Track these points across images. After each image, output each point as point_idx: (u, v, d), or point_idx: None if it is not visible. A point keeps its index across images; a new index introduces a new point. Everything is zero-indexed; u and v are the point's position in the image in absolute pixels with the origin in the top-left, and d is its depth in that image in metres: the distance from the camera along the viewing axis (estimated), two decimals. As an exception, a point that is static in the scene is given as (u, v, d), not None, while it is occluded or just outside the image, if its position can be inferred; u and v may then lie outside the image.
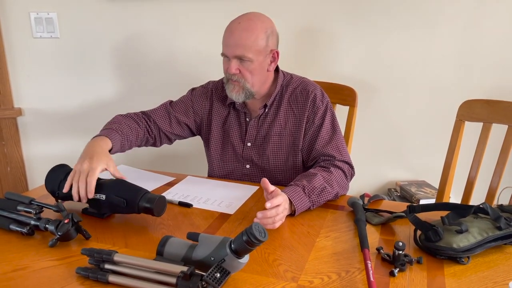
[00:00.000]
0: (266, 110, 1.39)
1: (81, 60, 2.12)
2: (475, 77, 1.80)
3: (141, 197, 1.01)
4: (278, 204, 1.02)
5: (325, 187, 1.16)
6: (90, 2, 2.01)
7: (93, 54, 2.10)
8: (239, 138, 1.42)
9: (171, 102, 1.48)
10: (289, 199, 1.09)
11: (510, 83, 1.78)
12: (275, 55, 1.33)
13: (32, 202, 1.01)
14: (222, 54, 1.31)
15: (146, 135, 1.41)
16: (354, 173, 1.32)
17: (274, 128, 1.38)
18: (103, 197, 1.03)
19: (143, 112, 1.44)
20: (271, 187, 1.07)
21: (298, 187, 1.13)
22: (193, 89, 1.51)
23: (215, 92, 1.46)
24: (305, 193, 1.13)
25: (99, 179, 1.08)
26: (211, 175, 1.50)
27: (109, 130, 1.27)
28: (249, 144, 1.41)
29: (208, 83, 1.50)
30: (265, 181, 1.06)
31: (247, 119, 1.41)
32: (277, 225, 1.03)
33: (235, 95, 1.32)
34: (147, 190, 1.04)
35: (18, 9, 2.06)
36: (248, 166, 1.42)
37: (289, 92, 1.38)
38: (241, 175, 1.43)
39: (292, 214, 1.11)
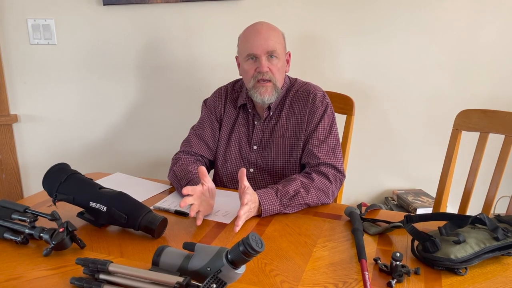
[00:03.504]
0: (271, 112, 1.40)
1: (78, 66, 2.12)
2: (472, 86, 1.81)
3: (144, 216, 1.01)
4: (248, 201, 1.08)
5: (299, 191, 1.18)
6: (87, 9, 2.02)
7: (90, 60, 2.10)
8: (246, 141, 1.43)
9: (193, 126, 1.50)
10: (259, 200, 1.14)
11: (507, 93, 1.79)
12: (288, 58, 1.42)
13: (27, 211, 1.00)
14: (248, 56, 1.34)
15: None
16: (343, 177, 1.31)
17: (277, 129, 1.40)
18: (103, 208, 1.03)
19: (187, 152, 1.43)
20: (246, 182, 1.11)
21: (271, 190, 1.18)
22: (205, 101, 1.53)
23: (226, 94, 1.49)
24: (277, 196, 1.16)
25: (101, 188, 1.07)
26: (215, 178, 1.50)
27: (196, 179, 1.26)
28: (255, 147, 1.42)
29: (219, 88, 1.52)
30: (243, 171, 1.11)
31: (255, 122, 1.42)
32: (240, 222, 1.07)
33: (268, 96, 1.34)
34: (150, 209, 1.04)
35: (16, 16, 2.07)
36: (252, 170, 1.43)
37: (292, 94, 1.42)
38: None
39: (259, 215, 1.15)
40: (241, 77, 1.52)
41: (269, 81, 1.33)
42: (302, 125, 1.37)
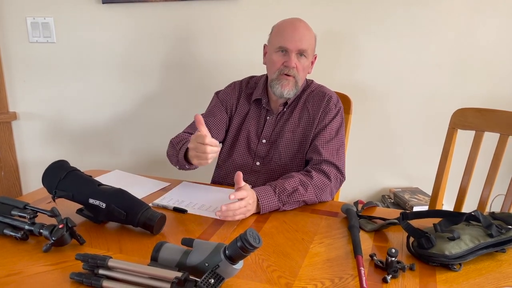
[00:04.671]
0: (285, 108, 1.43)
1: (77, 65, 2.12)
2: (469, 86, 1.82)
3: (143, 212, 1.02)
4: (242, 197, 1.09)
5: (297, 188, 1.20)
6: (86, 7, 2.02)
7: (89, 59, 2.11)
8: (255, 135, 1.45)
9: (201, 114, 1.49)
10: (257, 197, 1.15)
11: (503, 92, 1.80)
12: (313, 60, 1.46)
13: (27, 207, 1.01)
14: (280, 48, 1.35)
15: None
16: (343, 178, 1.34)
17: (289, 124, 1.42)
18: (103, 205, 1.03)
19: (188, 133, 1.44)
20: (242, 182, 1.12)
21: (269, 187, 1.19)
22: (217, 92, 1.54)
23: (240, 88, 1.51)
24: (275, 192, 1.18)
25: (100, 185, 1.08)
26: (218, 172, 1.51)
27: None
28: (264, 141, 1.44)
29: (233, 82, 1.54)
30: (239, 174, 1.12)
31: (267, 117, 1.44)
32: (237, 218, 1.10)
33: (287, 90, 1.36)
34: (148, 206, 1.05)
35: (15, 14, 2.07)
36: (258, 163, 1.44)
37: (307, 93, 1.44)
38: (250, 171, 1.44)
39: (258, 212, 1.16)
40: (253, 75, 1.54)
41: (293, 77, 1.36)
42: (313, 123, 1.39)
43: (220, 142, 1.50)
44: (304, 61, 1.37)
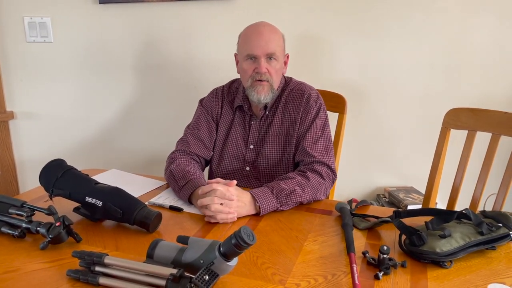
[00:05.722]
0: (267, 112, 1.43)
1: (74, 64, 2.13)
2: (462, 86, 1.84)
3: (139, 210, 1.03)
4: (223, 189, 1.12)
5: (294, 189, 1.20)
6: (83, 7, 2.03)
7: (86, 58, 2.11)
8: (242, 141, 1.45)
9: (189, 125, 1.50)
10: (255, 198, 1.15)
11: (495, 92, 1.82)
12: (286, 59, 1.45)
13: (24, 205, 1.02)
14: (248, 56, 1.35)
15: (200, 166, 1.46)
16: (335, 177, 1.34)
17: (272, 128, 1.42)
18: (99, 203, 1.04)
19: (183, 151, 1.42)
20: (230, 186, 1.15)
21: (266, 188, 1.20)
22: (201, 100, 1.53)
23: (223, 95, 1.50)
24: (273, 193, 1.18)
25: (97, 183, 1.09)
26: (211, 176, 1.51)
27: (193, 180, 1.26)
28: (251, 146, 1.44)
29: (216, 89, 1.53)
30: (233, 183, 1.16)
31: (252, 122, 1.44)
32: (230, 212, 1.11)
33: (264, 96, 1.36)
34: (144, 204, 1.06)
35: (12, 14, 2.08)
36: (248, 169, 1.45)
37: (287, 93, 1.44)
38: (240, 177, 1.45)
39: (258, 213, 1.17)
40: (237, 77, 1.54)
41: (266, 81, 1.35)
42: (295, 123, 1.39)
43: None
44: (275, 64, 1.36)
